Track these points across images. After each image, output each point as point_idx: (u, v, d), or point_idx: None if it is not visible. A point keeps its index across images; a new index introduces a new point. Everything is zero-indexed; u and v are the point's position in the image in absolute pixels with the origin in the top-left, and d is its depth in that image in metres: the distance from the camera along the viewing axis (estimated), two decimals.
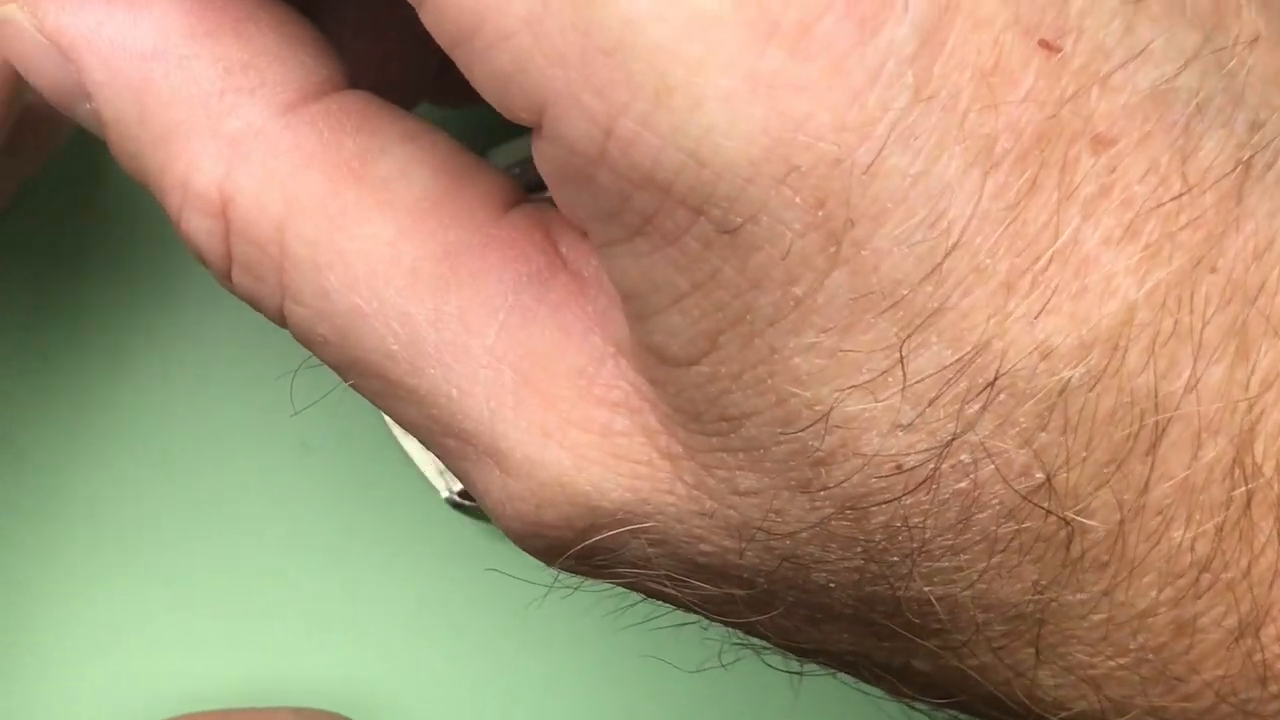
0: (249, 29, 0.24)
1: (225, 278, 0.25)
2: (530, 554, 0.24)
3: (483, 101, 0.33)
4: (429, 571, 0.34)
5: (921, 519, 0.22)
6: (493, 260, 0.24)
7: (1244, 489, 0.21)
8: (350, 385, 0.25)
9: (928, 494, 0.21)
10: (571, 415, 0.23)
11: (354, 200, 0.24)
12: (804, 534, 0.22)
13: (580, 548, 0.24)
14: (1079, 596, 0.22)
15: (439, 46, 0.31)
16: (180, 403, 0.34)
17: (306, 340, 0.25)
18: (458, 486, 0.33)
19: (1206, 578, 0.22)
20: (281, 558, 0.34)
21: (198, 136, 0.24)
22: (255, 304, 0.25)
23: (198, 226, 0.24)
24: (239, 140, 0.24)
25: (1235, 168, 0.21)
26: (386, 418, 0.33)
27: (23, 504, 0.34)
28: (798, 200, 0.20)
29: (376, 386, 0.24)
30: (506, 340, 0.23)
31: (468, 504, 0.33)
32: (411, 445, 0.33)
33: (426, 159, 0.24)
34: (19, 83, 0.26)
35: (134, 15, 0.24)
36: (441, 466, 0.33)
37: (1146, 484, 0.21)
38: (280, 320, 0.25)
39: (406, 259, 0.24)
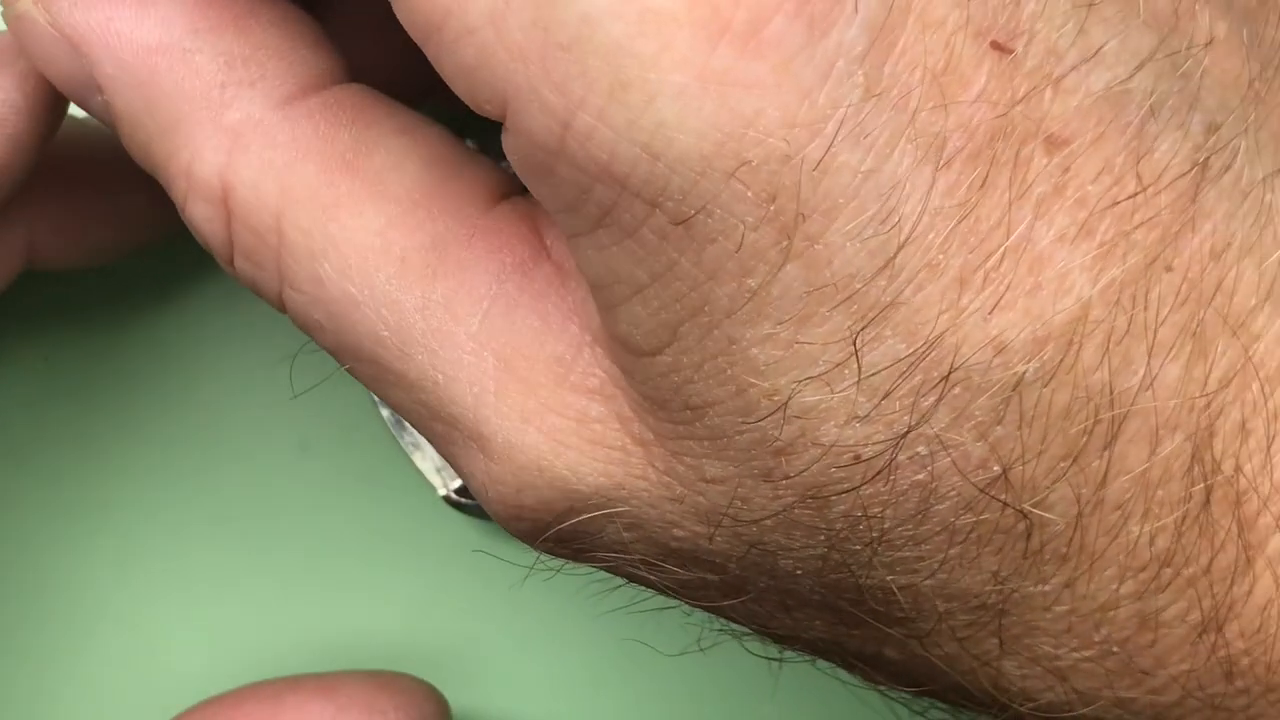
0: (250, 24, 0.25)
1: (228, 263, 0.25)
2: (515, 536, 0.25)
3: None
4: (425, 569, 0.34)
5: (880, 509, 0.22)
6: (479, 250, 0.24)
7: (1203, 485, 0.22)
8: (346, 369, 0.26)
9: (886, 484, 0.22)
10: (549, 401, 0.24)
11: (347, 191, 0.24)
12: (769, 521, 0.23)
13: (558, 530, 0.24)
14: (1041, 588, 0.22)
15: None
16: (179, 403, 0.34)
17: (304, 325, 0.25)
18: (455, 484, 0.34)
19: (1167, 573, 0.22)
20: (279, 556, 0.34)
21: (200, 127, 0.25)
22: (256, 289, 0.26)
23: (201, 214, 0.25)
24: (239, 131, 0.25)
25: (1191, 169, 0.21)
26: (385, 415, 0.34)
27: (21, 505, 0.34)
28: (749, 194, 0.21)
29: (369, 371, 0.25)
30: (489, 328, 0.24)
31: (465, 502, 0.34)
32: (409, 443, 0.34)
33: (419, 152, 0.25)
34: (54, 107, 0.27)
35: (140, 10, 0.25)
36: (439, 464, 0.34)
37: (1104, 478, 0.22)
38: (280, 306, 0.25)
39: (396, 248, 0.24)
